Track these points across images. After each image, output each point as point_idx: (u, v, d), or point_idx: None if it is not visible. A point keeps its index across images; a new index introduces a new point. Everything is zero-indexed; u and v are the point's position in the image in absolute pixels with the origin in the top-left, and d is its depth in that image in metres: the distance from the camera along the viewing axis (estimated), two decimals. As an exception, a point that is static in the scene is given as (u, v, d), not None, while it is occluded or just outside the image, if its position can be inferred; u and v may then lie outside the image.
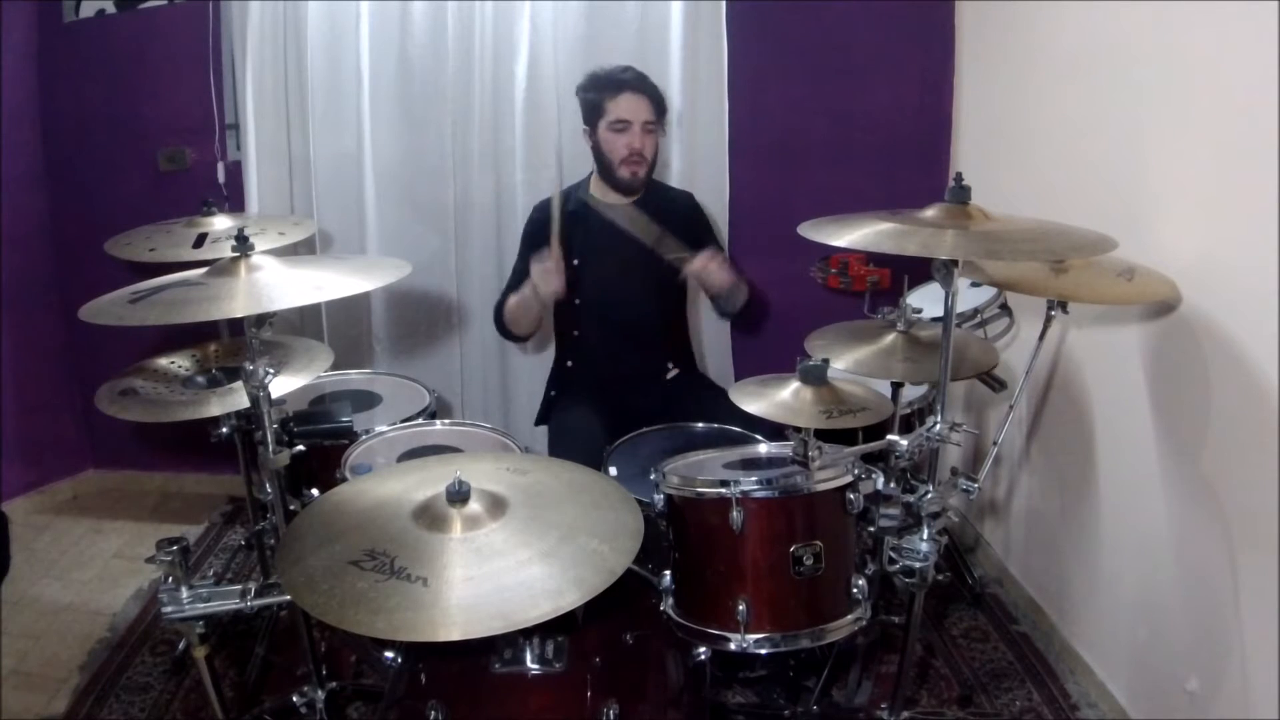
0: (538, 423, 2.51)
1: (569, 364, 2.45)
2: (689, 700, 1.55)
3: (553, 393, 2.48)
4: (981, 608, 2.38)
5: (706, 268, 2.23)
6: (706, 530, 1.55)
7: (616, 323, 2.34)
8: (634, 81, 2.26)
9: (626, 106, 2.24)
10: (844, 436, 1.70)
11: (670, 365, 2.44)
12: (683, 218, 2.41)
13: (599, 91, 2.27)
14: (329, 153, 2.74)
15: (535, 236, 2.33)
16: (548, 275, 2.18)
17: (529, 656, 1.37)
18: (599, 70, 2.32)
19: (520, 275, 2.34)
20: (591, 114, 2.30)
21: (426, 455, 1.89)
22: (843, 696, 1.96)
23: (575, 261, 2.27)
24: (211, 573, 2.62)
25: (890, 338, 1.84)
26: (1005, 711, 2.00)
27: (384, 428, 2.02)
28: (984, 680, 2.10)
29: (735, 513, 1.48)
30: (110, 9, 2.80)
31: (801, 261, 2.72)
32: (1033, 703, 2.02)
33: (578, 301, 2.31)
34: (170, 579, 1.36)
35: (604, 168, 2.31)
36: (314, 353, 1.92)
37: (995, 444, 1.75)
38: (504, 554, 1.18)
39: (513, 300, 2.32)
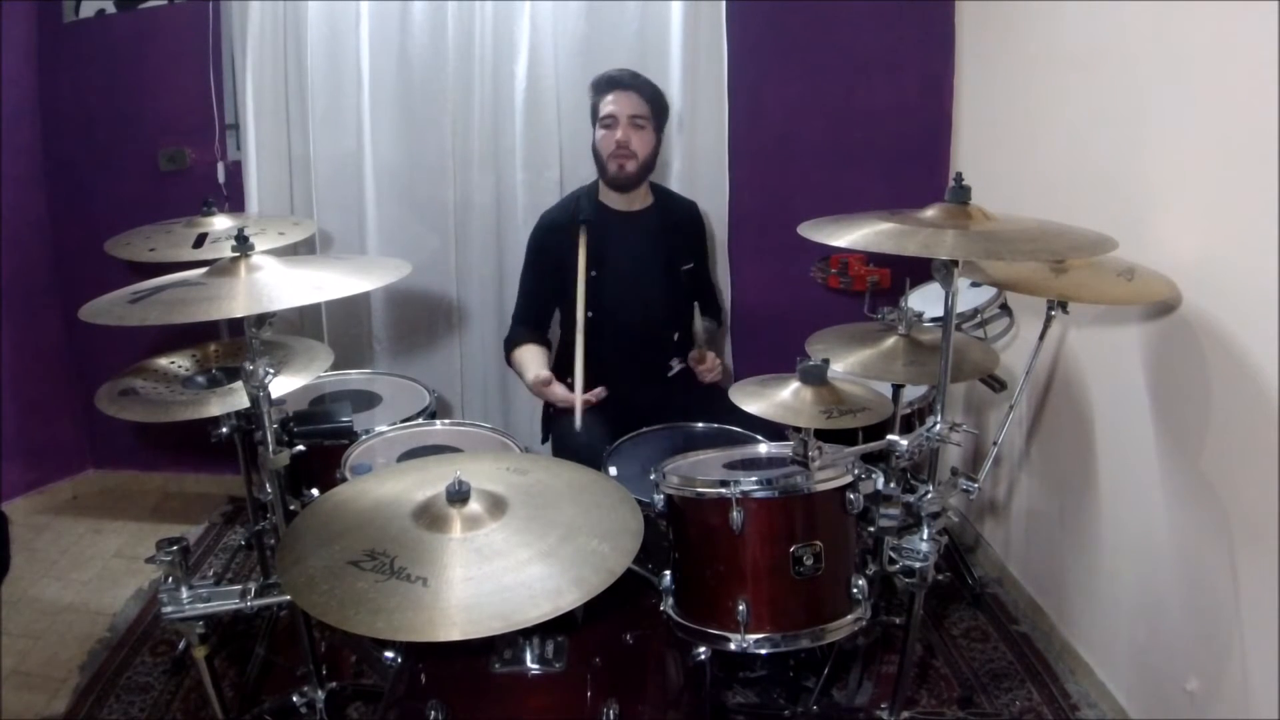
0: (544, 440, 2.50)
1: (567, 381, 2.40)
2: (689, 700, 1.55)
3: (551, 409, 2.44)
4: (981, 608, 2.38)
5: (713, 371, 2.31)
6: (706, 530, 1.55)
7: (627, 326, 2.34)
8: (623, 79, 2.30)
9: (613, 102, 2.28)
10: (844, 436, 1.70)
11: (674, 363, 2.44)
12: (686, 227, 2.41)
13: (595, 93, 2.33)
14: (329, 153, 2.74)
15: (542, 253, 2.38)
16: (546, 394, 2.25)
17: (529, 656, 1.37)
18: (599, 74, 2.36)
19: (528, 296, 2.41)
20: (592, 117, 2.35)
21: (426, 455, 1.89)
22: (843, 696, 1.96)
23: (593, 273, 2.28)
24: (211, 573, 2.62)
25: (891, 341, 1.84)
26: (1005, 711, 2.00)
27: (384, 428, 2.02)
28: (984, 680, 2.10)
29: (735, 513, 1.48)
30: (110, 9, 2.80)
31: (802, 262, 2.73)
32: (1033, 703, 2.02)
33: (590, 315, 2.29)
34: (170, 579, 1.36)
35: (599, 166, 2.34)
36: (314, 353, 1.92)
37: (995, 444, 1.75)
38: (504, 554, 1.18)
39: (516, 361, 2.39)
